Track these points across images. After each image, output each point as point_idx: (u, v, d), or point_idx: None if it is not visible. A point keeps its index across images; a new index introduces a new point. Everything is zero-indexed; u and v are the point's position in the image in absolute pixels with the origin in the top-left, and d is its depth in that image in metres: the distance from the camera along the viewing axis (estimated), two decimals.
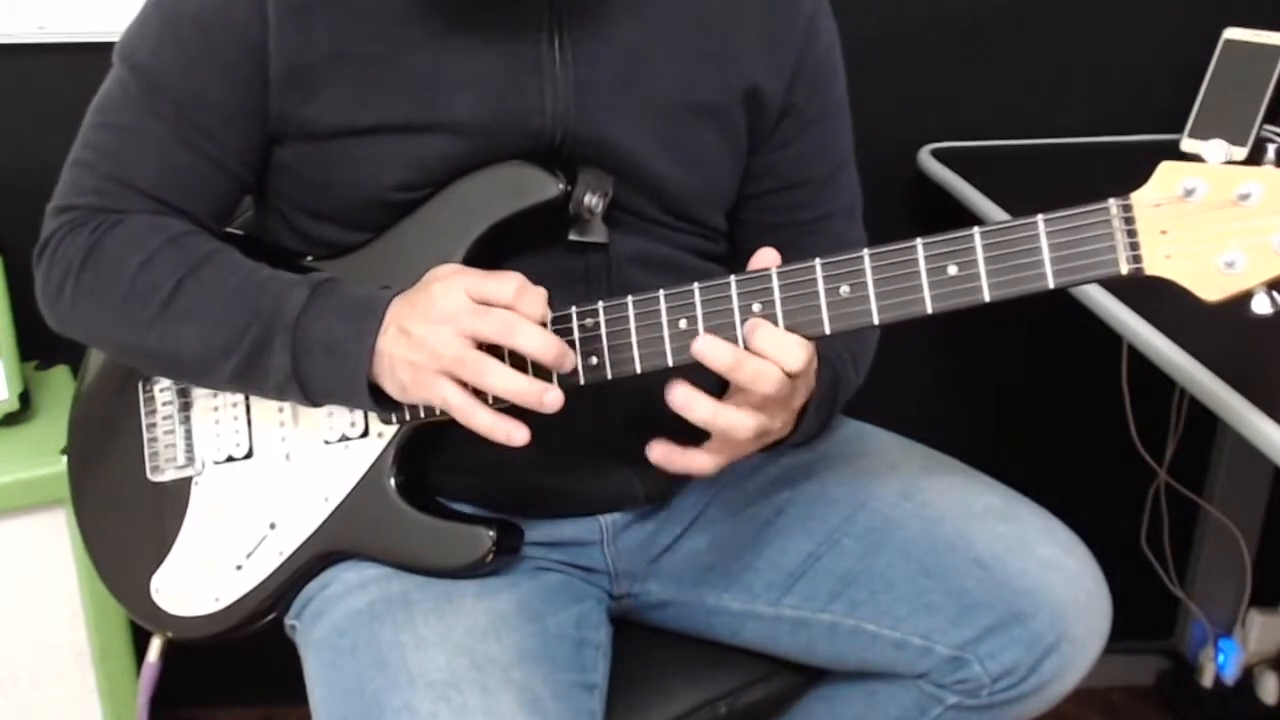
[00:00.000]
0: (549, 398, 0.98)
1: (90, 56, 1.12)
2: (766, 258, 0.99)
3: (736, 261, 1.01)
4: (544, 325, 1.00)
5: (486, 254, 1.07)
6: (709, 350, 0.97)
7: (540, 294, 1.00)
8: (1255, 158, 1.51)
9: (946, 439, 1.30)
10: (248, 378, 1.07)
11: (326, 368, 1.03)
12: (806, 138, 1.20)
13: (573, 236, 1.09)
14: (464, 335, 0.98)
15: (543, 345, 0.98)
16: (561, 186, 1.06)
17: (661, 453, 1.04)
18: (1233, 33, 1.70)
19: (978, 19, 1.80)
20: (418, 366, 1.00)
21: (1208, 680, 2.00)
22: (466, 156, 1.07)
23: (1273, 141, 1.59)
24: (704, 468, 1.05)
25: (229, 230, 1.20)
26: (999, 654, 1.13)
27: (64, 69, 1.15)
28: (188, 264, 1.07)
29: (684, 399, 0.98)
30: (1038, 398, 1.99)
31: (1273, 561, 1.96)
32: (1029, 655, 1.13)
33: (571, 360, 1.01)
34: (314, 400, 1.07)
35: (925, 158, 1.78)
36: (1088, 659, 1.15)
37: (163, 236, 1.08)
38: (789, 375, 0.97)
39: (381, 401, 1.05)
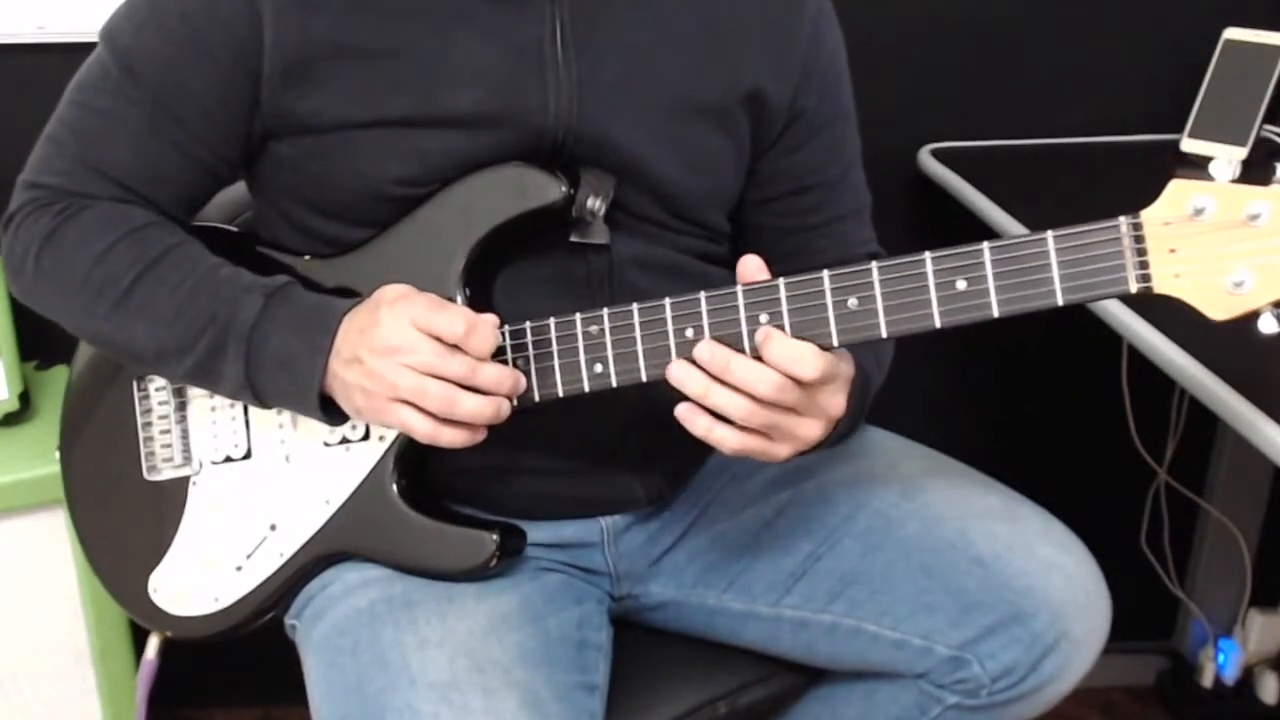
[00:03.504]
0: (504, 409, 1.02)
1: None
2: (750, 266, 0.99)
3: None
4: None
5: (488, 256, 1.07)
6: (683, 377, 0.97)
7: (489, 326, 1.01)
8: (1255, 157, 1.51)
9: (947, 439, 1.30)
10: (202, 379, 1.08)
11: (279, 380, 1.05)
12: (817, 141, 1.20)
13: (574, 239, 1.09)
14: (421, 370, 0.99)
15: (500, 381, 1.01)
16: (564, 190, 1.05)
17: (685, 410, 0.99)
18: (1233, 33, 1.69)
19: (977, 19, 1.80)
20: (372, 394, 1.01)
21: (1207, 680, 1.99)
22: (468, 152, 1.07)
23: (1273, 142, 1.59)
24: (724, 439, 0.99)
25: (218, 226, 1.20)
26: (999, 654, 1.13)
27: (64, 69, 1.15)
28: (146, 259, 1.07)
29: (680, 373, 0.98)
30: (1038, 398, 1.99)
31: (1273, 561, 1.96)
32: (1028, 655, 1.13)
33: (524, 385, 1.03)
34: (267, 405, 1.09)
35: (925, 158, 1.78)
36: (1087, 659, 1.15)
37: (124, 228, 1.08)
38: (799, 383, 0.96)
39: (332, 413, 1.06)
